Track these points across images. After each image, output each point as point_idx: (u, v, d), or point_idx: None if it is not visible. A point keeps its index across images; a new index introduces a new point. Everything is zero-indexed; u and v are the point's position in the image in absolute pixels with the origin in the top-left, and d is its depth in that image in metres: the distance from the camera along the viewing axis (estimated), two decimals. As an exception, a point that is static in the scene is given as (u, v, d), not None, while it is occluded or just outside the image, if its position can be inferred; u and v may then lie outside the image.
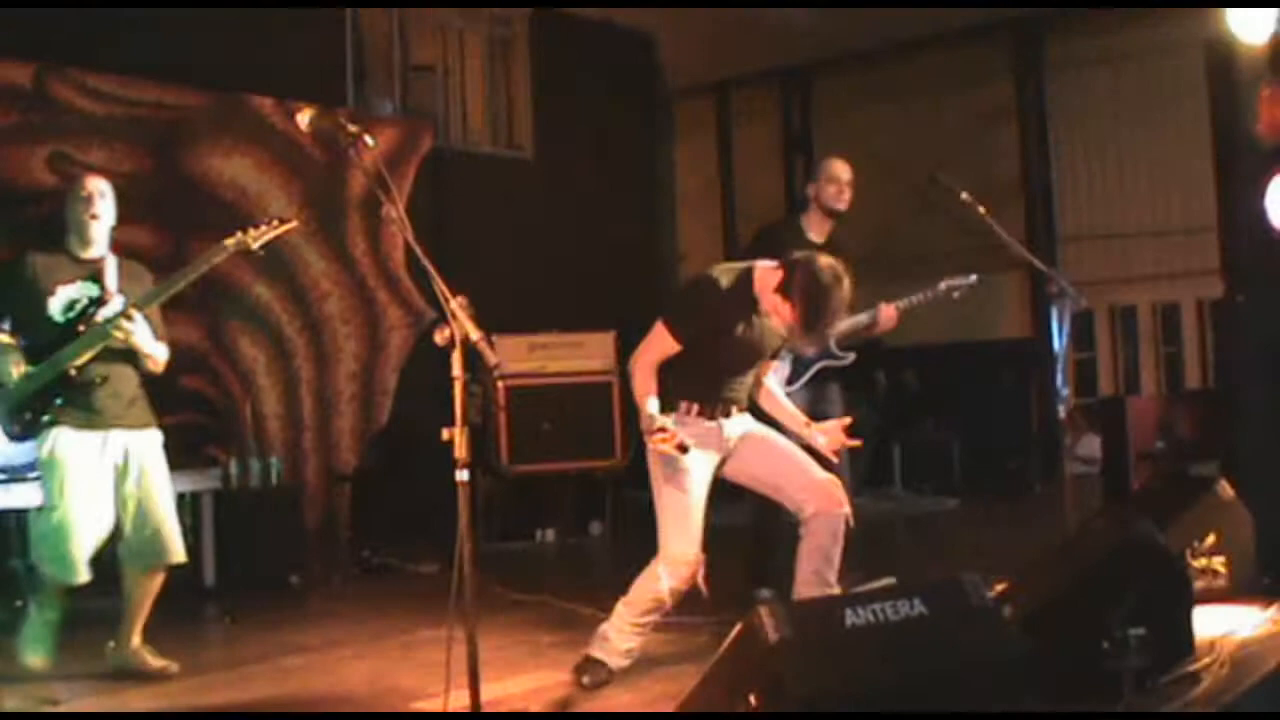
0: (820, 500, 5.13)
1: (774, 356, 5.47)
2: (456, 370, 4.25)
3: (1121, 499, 8.09)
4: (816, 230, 6.71)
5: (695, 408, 5.18)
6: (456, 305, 4.28)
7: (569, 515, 10.20)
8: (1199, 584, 5.82)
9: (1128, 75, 13.03)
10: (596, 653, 5.35)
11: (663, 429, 4.86)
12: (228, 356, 9.56)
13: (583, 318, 10.40)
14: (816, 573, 5.05)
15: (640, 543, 9.68)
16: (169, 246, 9.15)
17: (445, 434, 4.17)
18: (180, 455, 8.16)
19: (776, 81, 15.88)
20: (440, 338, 4.37)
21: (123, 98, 9.04)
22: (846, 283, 4.93)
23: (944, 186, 6.56)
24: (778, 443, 5.33)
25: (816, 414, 5.89)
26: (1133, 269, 12.96)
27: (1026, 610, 4.48)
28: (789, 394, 6.14)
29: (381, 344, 10.36)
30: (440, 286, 4.37)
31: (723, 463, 5.30)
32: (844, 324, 6.34)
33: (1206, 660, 5.04)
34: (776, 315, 5.04)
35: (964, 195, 6.52)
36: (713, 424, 5.22)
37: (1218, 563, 6.32)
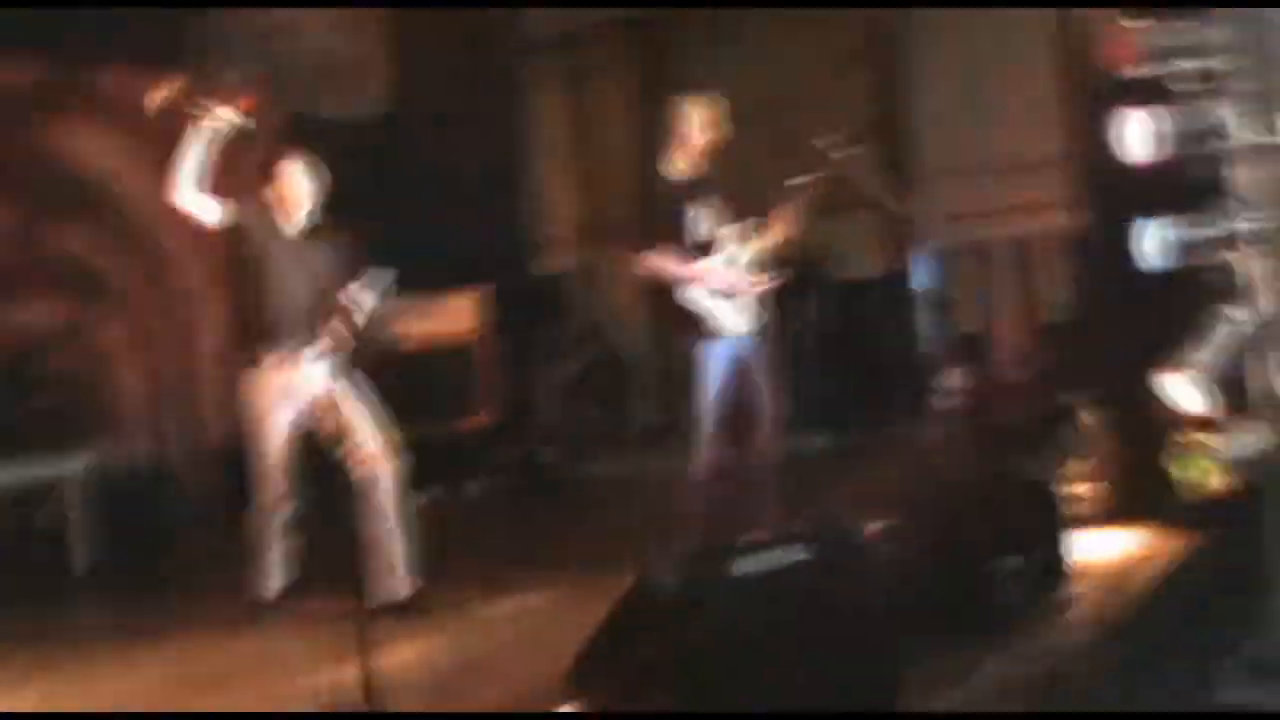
0: None
1: None
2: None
3: (990, 433, 8.26)
4: (694, 167, 6.74)
5: None
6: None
7: (439, 477, 10.15)
8: (1069, 510, 5.98)
9: (977, 11, 13.19)
10: (253, 591, 6.11)
11: None
12: (87, 336, 9.37)
13: (448, 277, 10.33)
14: None
15: (511, 500, 9.78)
16: (17, 227, 8.98)
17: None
18: (43, 439, 8.11)
19: (628, 31, 15.81)
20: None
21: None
22: None
23: (821, 151, 6.67)
24: None
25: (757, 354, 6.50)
26: (987, 203, 13.16)
27: (907, 548, 4.57)
28: (742, 333, 6.57)
29: (244, 315, 10.21)
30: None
31: None
32: (757, 248, 6.70)
33: (1084, 583, 5.21)
34: None
35: (818, 142, 6.63)
36: None
37: (1085, 488, 6.52)
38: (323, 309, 5.42)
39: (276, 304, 5.92)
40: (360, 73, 12.97)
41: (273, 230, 6.00)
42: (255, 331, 6.01)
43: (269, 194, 6.04)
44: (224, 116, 4.64)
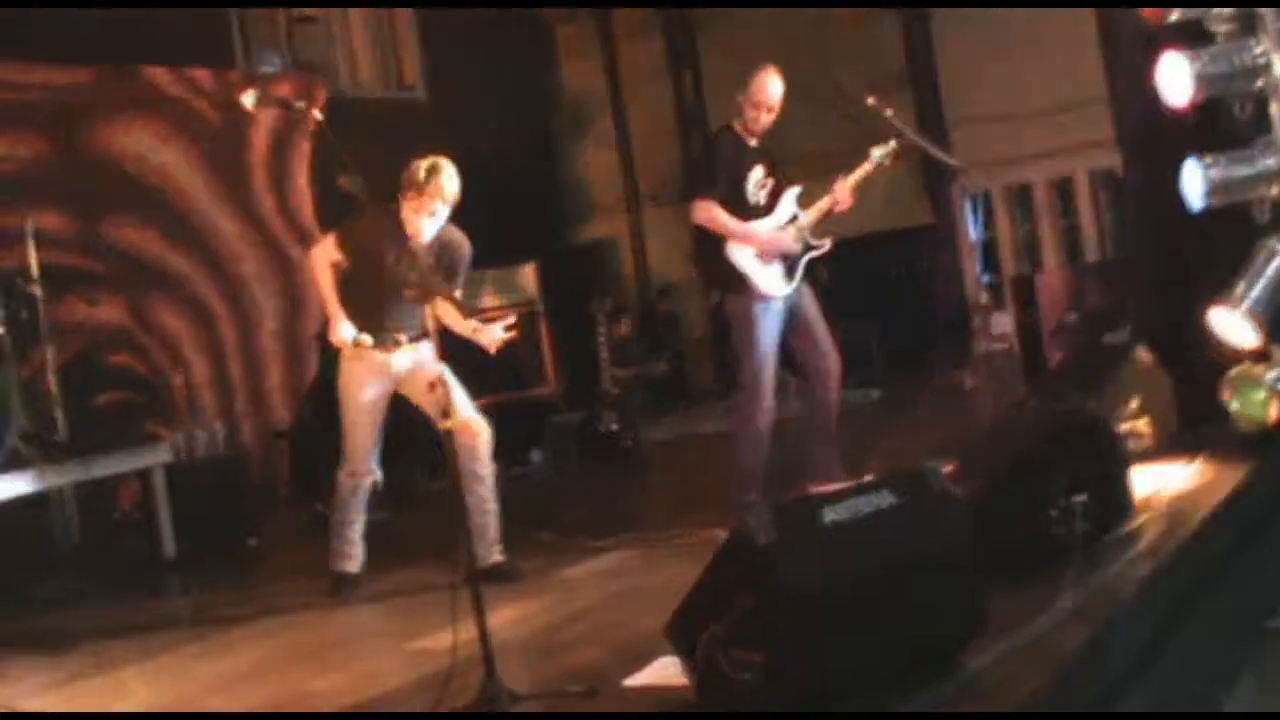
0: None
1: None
2: (431, 324, 4.43)
3: (1045, 374, 8.37)
4: (750, 135, 6.86)
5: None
6: (421, 262, 4.44)
7: (509, 446, 10.37)
8: (1127, 447, 6.11)
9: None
10: (336, 567, 6.43)
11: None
12: (152, 331, 9.60)
13: (499, 251, 10.50)
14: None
15: (578, 466, 9.97)
16: (76, 226, 9.17)
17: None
18: (119, 434, 8.32)
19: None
20: (410, 294, 4.51)
21: (10, 83, 8.95)
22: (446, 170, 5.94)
23: (850, 95, 6.78)
24: None
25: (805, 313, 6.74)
26: (1025, 147, 13.21)
27: (976, 491, 4.71)
28: (787, 294, 6.71)
29: (300, 299, 10.42)
30: (406, 243, 4.54)
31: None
32: (811, 212, 6.80)
33: (1145, 518, 5.36)
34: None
35: (870, 100, 6.73)
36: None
37: (1142, 425, 6.66)
38: (419, 293, 5.53)
39: (380, 292, 6.01)
40: (397, 54, 13.15)
41: (396, 232, 6.04)
42: (353, 317, 6.09)
43: (416, 193, 6.01)
44: (314, 113, 4.75)
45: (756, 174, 6.77)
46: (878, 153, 6.76)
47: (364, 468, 6.30)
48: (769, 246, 6.72)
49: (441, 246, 6.07)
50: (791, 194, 6.89)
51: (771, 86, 6.74)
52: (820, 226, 6.86)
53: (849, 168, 6.81)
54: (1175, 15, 5.18)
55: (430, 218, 5.98)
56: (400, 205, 6.01)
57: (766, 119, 6.75)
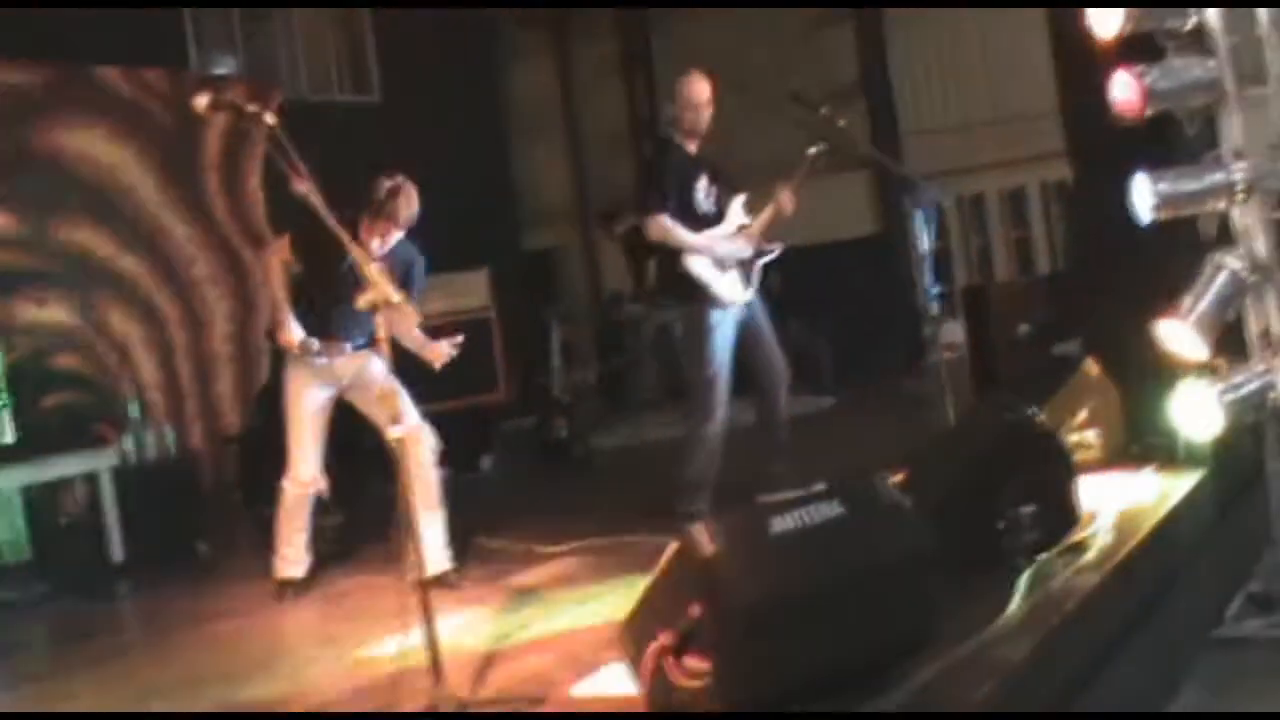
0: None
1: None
2: (381, 332, 4.41)
3: (995, 385, 8.43)
4: (690, 142, 6.89)
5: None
6: (374, 270, 4.42)
7: (459, 452, 10.34)
8: (1075, 458, 6.15)
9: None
10: (282, 573, 6.40)
11: None
12: (102, 332, 9.52)
13: (452, 256, 10.46)
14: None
15: (529, 472, 9.96)
16: (26, 226, 9.09)
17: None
18: (68, 436, 8.24)
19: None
20: (363, 301, 4.51)
21: (-41, 79, 8.86)
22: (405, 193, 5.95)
23: (805, 104, 6.82)
24: None
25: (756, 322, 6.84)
26: (977, 157, 13.32)
27: (924, 500, 4.73)
28: (744, 301, 6.78)
29: (252, 302, 10.37)
30: (357, 252, 4.54)
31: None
32: (759, 219, 6.89)
33: (1092, 529, 5.40)
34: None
35: (824, 110, 6.77)
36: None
37: (1090, 436, 6.70)
38: (370, 302, 5.49)
39: (331, 298, 6.00)
40: (354, 57, 13.11)
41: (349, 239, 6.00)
42: (303, 320, 6.10)
43: (374, 213, 6.02)
44: (267, 118, 4.71)
45: (702, 183, 6.82)
46: (811, 150, 6.81)
47: (308, 476, 6.26)
48: (727, 255, 6.76)
49: (395, 259, 6.05)
50: (738, 201, 6.93)
51: (698, 85, 6.82)
52: (769, 232, 6.90)
53: (789, 172, 6.86)
54: (1127, 28, 5.20)
55: (383, 238, 5.99)
56: (357, 213, 5.98)
57: (705, 116, 6.80)
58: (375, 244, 6.01)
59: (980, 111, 13.22)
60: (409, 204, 5.98)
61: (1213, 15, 5.12)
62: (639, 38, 15.84)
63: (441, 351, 5.94)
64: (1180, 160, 5.31)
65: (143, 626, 6.75)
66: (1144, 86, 5.07)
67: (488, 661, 4.83)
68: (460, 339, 5.95)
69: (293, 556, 6.42)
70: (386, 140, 12.05)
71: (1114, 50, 5.54)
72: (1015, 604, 4.58)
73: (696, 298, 6.76)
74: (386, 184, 5.95)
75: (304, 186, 4.55)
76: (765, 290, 7.02)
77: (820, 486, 3.91)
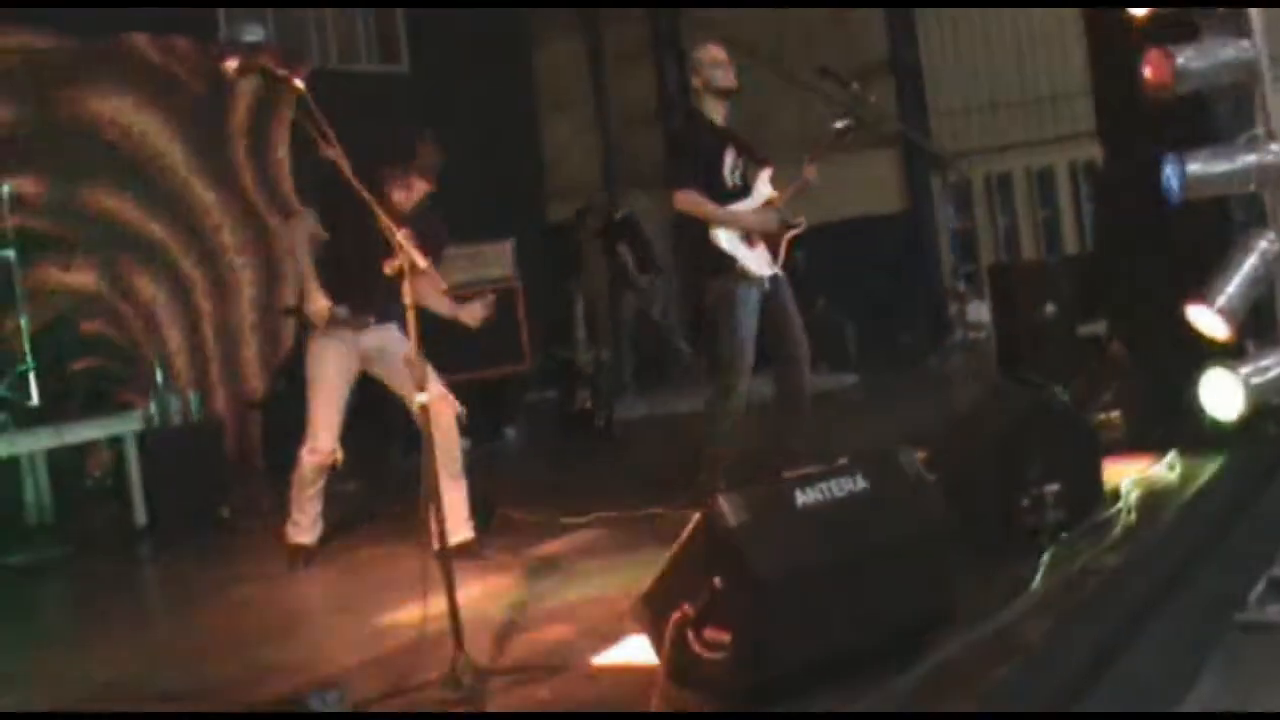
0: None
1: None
2: (408, 299, 4.41)
3: (1020, 364, 8.40)
4: (717, 114, 6.88)
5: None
6: (402, 237, 4.42)
7: (483, 423, 10.37)
8: (1101, 437, 6.14)
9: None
10: (294, 539, 6.40)
11: None
12: (127, 298, 9.55)
13: (478, 227, 10.48)
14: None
15: (552, 443, 9.97)
16: (55, 191, 9.12)
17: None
18: (92, 400, 8.29)
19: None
20: (390, 268, 4.50)
21: (-12, 47, 8.87)
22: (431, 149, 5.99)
23: (835, 78, 6.79)
24: None
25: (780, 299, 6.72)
26: (1005, 137, 13.26)
27: (948, 477, 4.72)
28: (774, 275, 6.70)
29: (278, 269, 10.38)
30: (385, 220, 4.53)
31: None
32: (785, 193, 6.83)
33: (1116, 509, 5.39)
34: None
35: (853, 85, 6.74)
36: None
37: (1114, 417, 6.69)
38: (398, 270, 5.49)
39: (358, 267, 5.96)
40: (382, 26, 13.10)
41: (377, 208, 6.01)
42: (331, 290, 6.09)
43: (404, 176, 6.04)
44: (296, 82, 4.70)
45: (729, 156, 6.80)
46: (838, 124, 6.78)
47: (326, 445, 6.26)
48: (756, 228, 6.74)
49: (421, 227, 6.04)
50: (764, 175, 6.90)
51: (714, 47, 6.83)
52: (795, 207, 6.87)
53: (815, 145, 6.84)
54: (1160, 7, 5.16)
55: (408, 192, 5.98)
56: (384, 180, 5.97)
57: (732, 72, 6.78)
58: (400, 197, 6.01)
59: (1009, 91, 13.14)
60: (431, 154, 5.99)
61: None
62: (669, 16, 15.79)
63: (477, 312, 5.93)
64: (1212, 141, 5.27)
65: (164, 590, 6.77)
66: (1176, 65, 5.02)
67: (508, 631, 4.84)
68: (492, 298, 5.95)
69: (305, 524, 6.44)
70: (414, 111, 12.05)
71: (1147, 29, 5.51)
72: (1037, 582, 4.57)
73: (724, 271, 6.74)
74: (412, 137, 5.95)
75: (332, 152, 4.54)
76: (791, 266, 6.99)
77: (844, 461, 3.91)
